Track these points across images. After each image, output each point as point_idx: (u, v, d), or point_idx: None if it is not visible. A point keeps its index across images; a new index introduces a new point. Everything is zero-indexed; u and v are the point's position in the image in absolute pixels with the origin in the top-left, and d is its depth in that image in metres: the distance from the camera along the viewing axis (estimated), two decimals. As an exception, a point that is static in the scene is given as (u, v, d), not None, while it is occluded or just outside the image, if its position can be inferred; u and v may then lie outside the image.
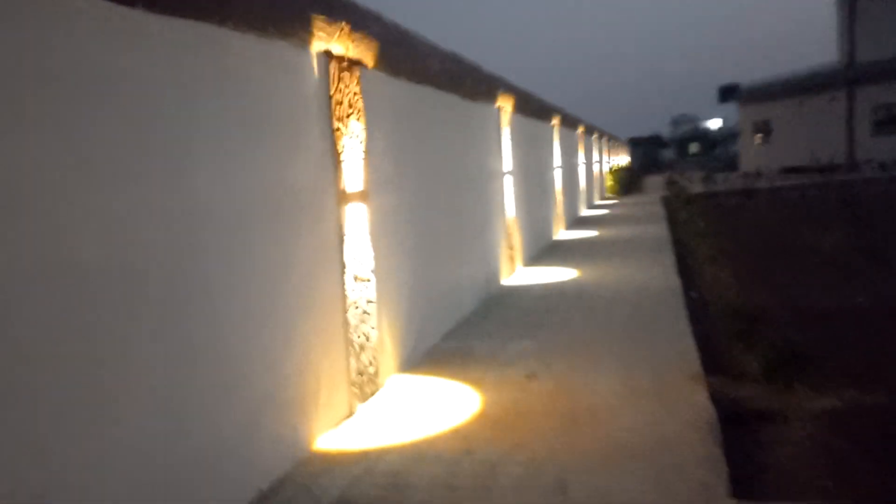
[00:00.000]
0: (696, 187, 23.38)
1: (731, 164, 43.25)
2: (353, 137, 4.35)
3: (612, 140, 30.67)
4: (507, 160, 9.25)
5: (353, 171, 4.34)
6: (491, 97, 8.42)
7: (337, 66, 4.16)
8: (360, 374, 4.32)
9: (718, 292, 7.35)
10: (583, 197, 19.19)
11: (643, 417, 3.99)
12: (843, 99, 31.04)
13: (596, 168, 23.61)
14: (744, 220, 12.39)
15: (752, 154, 39.82)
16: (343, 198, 4.19)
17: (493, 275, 8.31)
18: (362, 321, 4.37)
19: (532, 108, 11.07)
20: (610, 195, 26.55)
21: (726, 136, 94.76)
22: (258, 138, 3.39)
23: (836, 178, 24.98)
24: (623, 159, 40.46)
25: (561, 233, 14.10)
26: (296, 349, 3.64)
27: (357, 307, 4.30)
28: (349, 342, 4.19)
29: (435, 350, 5.72)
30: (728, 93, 43.83)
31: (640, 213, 18.00)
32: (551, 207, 13.28)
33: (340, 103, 4.20)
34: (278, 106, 3.57)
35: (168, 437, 2.67)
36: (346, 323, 4.17)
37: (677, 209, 14.73)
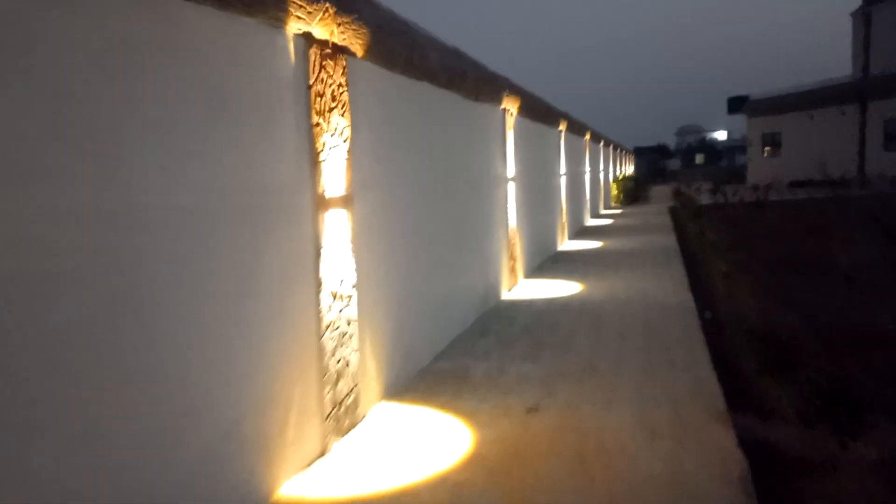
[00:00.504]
0: (705, 199, 22.83)
1: (739, 176, 42.72)
2: (335, 135, 3.82)
3: (618, 149, 30.15)
4: (511, 165, 8.72)
5: (335, 173, 3.80)
6: (495, 98, 7.90)
7: (319, 52, 3.64)
8: (337, 405, 3.77)
9: (736, 312, 6.80)
10: (588, 206, 18.65)
11: (661, 464, 3.44)
12: (854, 112, 30.46)
13: (602, 176, 23.08)
14: (758, 234, 11.84)
15: (760, 166, 39.30)
16: (321, 203, 3.66)
17: (493, 287, 7.77)
18: (341, 344, 3.83)
19: (538, 111, 10.55)
20: (615, 205, 26.00)
21: (732, 148, 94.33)
22: (216, 129, 2.86)
23: (851, 192, 24.40)
24: (629, 168, 39.93)
25: (565, 243, 13.56)
26: (259, 378, 3.10)
27: (335, 328, 3.77)
28: (324, 369, 3.65)
29: (426, 373, 5.18)
30: (737, 104, 43.33)
31: (646, 223, 17.46)
32: (556, 216, 12.74)
33: (321, 95, 3.67)
34: (242, 93, 3.05)
35: (83, 485, 2.13)
36: (321, 347, 3.63)
37: (686, 221, 14.18)
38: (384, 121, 4.70)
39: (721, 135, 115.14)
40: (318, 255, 3.62)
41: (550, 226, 12.12)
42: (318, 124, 3.63)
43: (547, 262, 10.99)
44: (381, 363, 4.47)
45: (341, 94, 3.89)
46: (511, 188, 8.71)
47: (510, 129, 8.68)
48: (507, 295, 8.25)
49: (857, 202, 17.34)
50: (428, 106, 5.72)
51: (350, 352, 3.94)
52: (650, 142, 73.29)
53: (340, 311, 3.84)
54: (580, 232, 15.82)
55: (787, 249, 10.03)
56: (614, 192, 26.31)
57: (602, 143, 22.84)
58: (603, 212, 22.60)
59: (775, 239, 11.17)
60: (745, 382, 4.68)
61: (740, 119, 46.45)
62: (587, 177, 18.44)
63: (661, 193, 33.92)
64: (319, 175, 3.64)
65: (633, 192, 26.52)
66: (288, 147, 3.41)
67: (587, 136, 18.01)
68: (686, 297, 7.51)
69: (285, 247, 3.35)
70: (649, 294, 7.82)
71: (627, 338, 5.93)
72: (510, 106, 8.58)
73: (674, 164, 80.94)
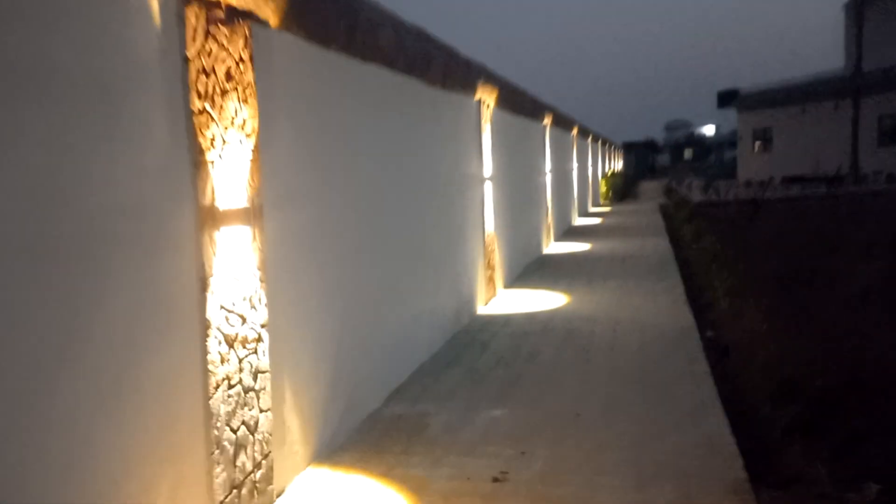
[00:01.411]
0: (696, 196, 22.02)
1: (729, 172, 41.98)
2: (232, 127, 2.86)
3: (606, 144, 29.29)
4: (488, 163, 7.77)
5: (232, 178, 2.84)
6: (469, 88, 6.94)
7: (202, 13, 2.67)
8: (236, 487, 2.82)
9: (743, 336, 5.91)
10: (576, 205, 17.75)
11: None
12: (848, 107, 29.75)
13: (590, 173, 22.20)
14: (758, 239, 10.97)
15: (751, 162, 38.54)
16: (209, 218, 2.70)
17: (467, 303, 6.83)
18: (243, 404, 2.88)
19: (520, 103, 9.60)
20: (604, 202, 25.14)
21: (721, 143, 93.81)
22: (22, 113, 1.90)
23: (844, 189, 23.67)
24: (617, 164, 39.10)
25: (551, 245, 12.64)
26: (107, 460, 2.15)
27: (232, 385, 2.81)
28: (214, 442, 2.69)
29: (376, 420, 4.23)
30: (727, 98, 42.53)
31: (636, 223, 16.57)
32: (540, 217, 11.82)
33: (208, 73, 2.70)
34: (68, 68, 2.08)
35: None
36: (209, 412, 2.67)
37: (680, 223, 13.30)
38: (315, 111, 3.74)
39: (709, 130, 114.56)
40: (203, 288, 2.66)
41: (534, 228, 11.20)
42: (202, 112, 2.67)
43: (531, 268, 10.07)
44: (309, 419, 3.52)
45: (242, 72, 2.93)
46: (488, 189, 7.77)
47: (487, 122, 7.73)
48: (483, 309, 7.32)
49: (857, 201, 16.55)
50: (381, 95, 4.76)
51: (257, 412, 2.98)
52: (638, 137, 72.43)
53: (242, 360, 2.88)
54: (567, 233, 14.91)
55: (792, 258, 9.15)
56: (603, 189, 25.45)
57: (590, 139, 21.95)
58: (591, 210, 21.72)
59: (778, 245, 10.30)
60: (766, 433, 3.77)
61: (729, 114, 45.75)
62: (575, 174, 17.54)
63: (651, 190, 33.12)
64: (206, 181, 2.68)
65: (622, 190, 25.67)
66: (153, 143, 2.44)
67: (574, 131, 17.10)
68: (685, 317, 6.60)
69: (146, 280, 2.39)
70: (643, 312, 6.91)
71: (619, 371, 5.00)
72: (486, 97, 7.63)
73: (662, 159, 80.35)
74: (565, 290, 8.23)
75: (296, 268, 3.43)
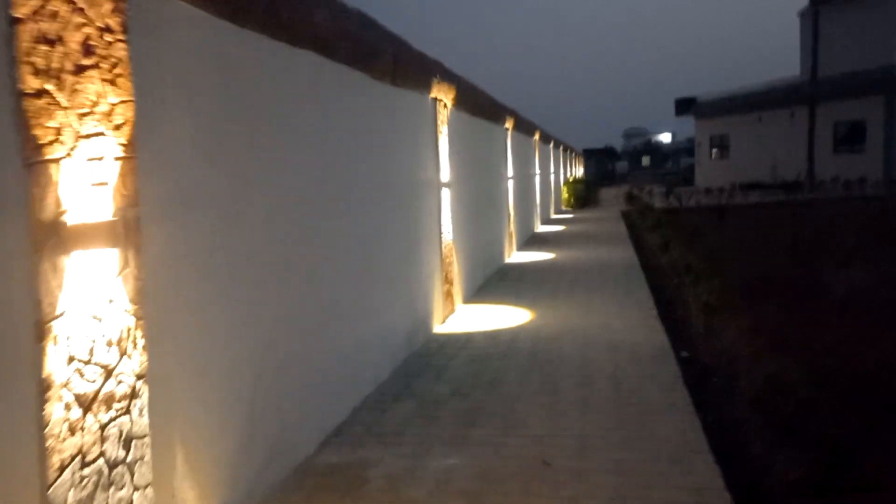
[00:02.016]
0: (658, 202, 21.80)
1: (687, 178, 42.27)
2: (93, 116, 2.15)
3: (567, 150, 29.03)
4: (446, 167, 7.14)
5: (90, 184, 2.14)
6: (423, 84, 6.31)
7: (42, -40, 1.96)
8: None
9: (721, 353, 5.38)
10: (538, 211, 17.26)
11: None
12: (804, 114, 30.06)
13: (552, 179, 21.79)
14: (726, 246, 10.58)
15: (709, 169, 38.80)
16: (50, 239, 1.98)
17: (422, 322, 6.17)
18: (105, 486, 2.17)
19: (480, 104, 9.01)
20: (566, 209, 24.79)
21: (678, 150, 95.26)
22: None
23: (802, 196, 23.77)
24: (578, 171, 38.98)
25: (513, 255, 12.07)
26: None
27: (87, 462, 2.10)
28: (61, 543, 1.97)
29: (304, 473, 3.53)
30: (684, 106, 42.87)
31: (600, 230, 16.16)
32: (502, 225, 11.24)
33: (52, 41, 2.00)
34: None
35: None
36: None
37: (644, 230, 12.89)
38: (226, 100, 3.05)
39: (666, 137, 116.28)
40: (41, 335, 1.94)
41: (496, 237, 10.61)
42: (41, 94, 1.96)
43: (492, 281, 9.46)
44: (211, 484, 2.81)
45: (109, 46, 2.23)
46: (446, 195, 7.13)
47: (443, 123, 7.10)
48: (440, 328, 6.67)
49: (820, 207, 16.45)
50: (317, 86, 4.08)
51: (129, 492, 2.27)
52: (597, 144, 72.81)
53: (106, 426, 2.17)
54: (530, 241, 14.39)
55: (761, 267, 8.74)
56: (565, 195, 25.11)
57: (552, 144, 21.55)
58: (554, 216, 21.31)
59: (746, 253, 9.91)
60: (768, 487, 3.19)
61: (687, 121, 46.20)
62: (537, 180, 17.06)
63: (612, 196, 32.98)
64: (45, 189, 1.97)
65: (584, 196, 25.36)
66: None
67: (536, 136, 16.62)
68: (658, 335, 6.06)
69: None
70: (613, 329, 6.34)
71: (592, 404, 4.39)
72: (443, 96, 7.00)
73: (621, 166, 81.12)
74: (529, 304, 7.63)
75: (193, 294, 2.73)
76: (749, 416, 4.09)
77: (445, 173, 7.13)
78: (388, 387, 4.89)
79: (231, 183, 3.05)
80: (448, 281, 7.11)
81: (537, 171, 17.14)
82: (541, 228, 17.28)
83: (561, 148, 25.20)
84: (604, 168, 63.01)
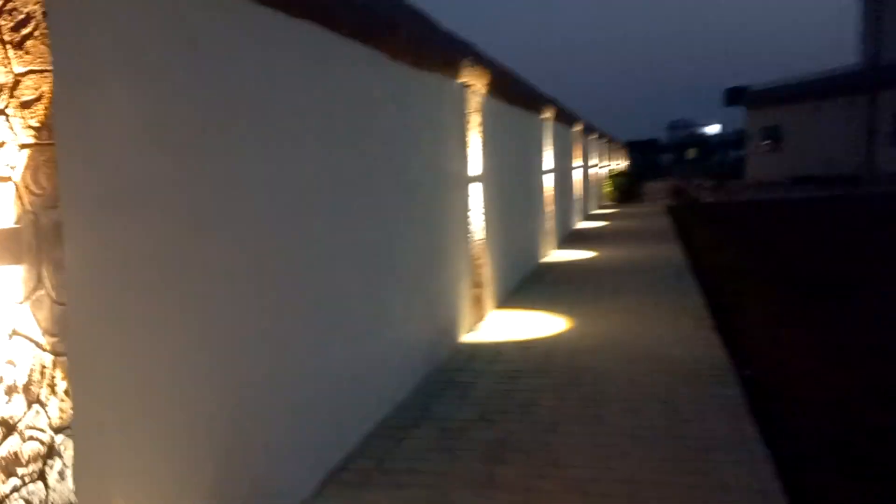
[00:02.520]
0: (706, 197, 20.76)
1: (735, 172, 40.67)
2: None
3: (610, 142, 28.03)
4: (477, 160, 6.53)
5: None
6: (451, 68, 5.70)
7: None
8: None
9: (789, 372, 4.68)
10: (578, 207, 16.50)
11: None
12: (863, 104, 28.42)
13: (594, 172, 20.94)
14: (789, 246, 9.73)
15: (760, 162, 37.22)
16: None
17: (447, 332, 5.59)
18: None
19: (517, 92, 8.35)
20: (608, 203, 23.88)
21: (724, 143, 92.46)
22: None
23: (863, 190, 22.40)
24: (621, 163, 37.81)
25: (552, 253, 11.39)
26: None
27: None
28: None
29: (297, 521, 2.98)
30: (735, 96, 41.23)
31: (645, 226, 15.32)
32: (539, 222, 10.56)
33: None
34: None
35: None
36: None
37: (693, 227, 12.05)
38: (183, 73, 2.50)
39: (713, 129, 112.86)
40: None
41: (532, 234, 9.94)
42: None
43: (528, 282, 8.81)
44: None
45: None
46: (477, 190, 6.52)
47: (475, 112, 6.48)
48: (468, 336, 6.07)
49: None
50: (318, 63, 3.52)
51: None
52: (641, 136, 70.97)
53: (4, 501, 1.64)
54: (570, 238, 13.66)
55: (826, 267, 7.89)
56: (608, 189, 24.19)
57: (594, 136, 20.69)
58: (595, 211, 20.48)
59: (808, 252, 9.05)
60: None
61: (734, 113, 44.48)
62: (578, 173, 16.28)
63: (656, 190, 31.81)
64: None
65: (627, 190, 24.39)
66: None
67: (578, 127, 15.84)
68: (715, 350, 5.35)
69: None
70: (663, 342, 5.65)
71: (641, 436, 3.75)
72: (475, 81, 6.38)
73: (665, 159, 79.07)
74: (568, 311, 6.98)
75: (136, 317, 2.19)
76: (821, 452, 3.42)
77: (476, 166, 6.51)
78: (405, 409, 4.32)
79: (190, 177, 2.50)
80: (478, 285, 6.50)
81: (578, 163, 16.37)
82: (581, 224, 16.51)
83: (604, 140, 24.28)
84: (647, 161, 61.43)
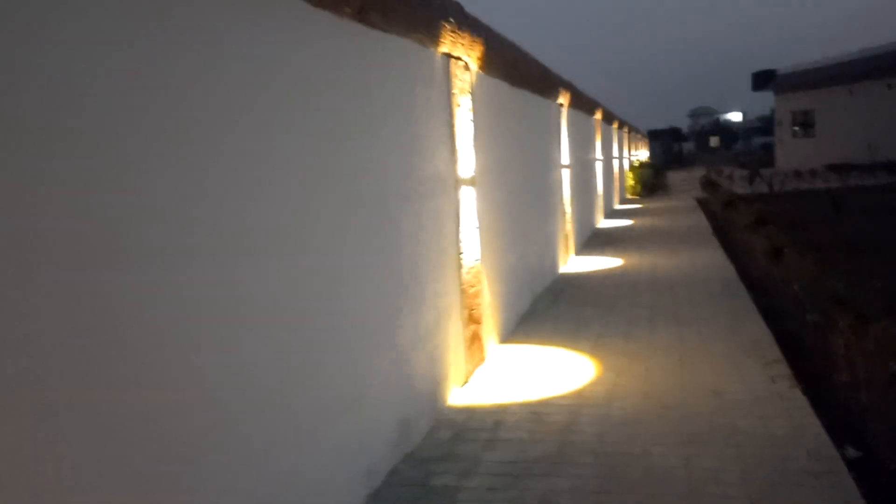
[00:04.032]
0: (738, 188, 18.98)
1: (762, 159, 38.51)
2: None
3: (632, 132, 26.25)
4: (467, 155, 4.98)
5: None
6: (425, 30, 4.15)
7: None
8: None
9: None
10: (600, 203, 14.85)
11: None
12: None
13: (616, 164, 19.24)
14: (868, 248, 8.05)
15: (791, 149, 35.18)
16: None
17: (426, 395, 4.04)
18: None
19: (523, 70, 6.77)
20: (632, 197, 22.15)
21: (748, 130, 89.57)
22: None
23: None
24: (643, 154, 35.92)
25: (570, 262, 9.80)
26: None
27: None
28: None
29: None
30: (763, 79, 39.03)
31: (677, 224, 13.64)
32: (555, 227, 8.98)
33: None
34: None
35: None
36: None
37: (736, 224, 10.37)
38: None
39: (735, 116, 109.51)
40: None
41: (547, 243, 8.37)
42: None
43: (542, 302, 7.24)
44: None
45: None
46: (468, 196, 4.97)
47: (463, 92, 4.93)
48: (460, 393, 4.54)
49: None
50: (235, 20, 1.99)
51: None
52: (661, 124, 68.65)
53: None
54: (591, 241, 12.04)
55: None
56: (631, 182, 22.46)
57: (616, 125, 18.99)
58: (618, 206, 18.79)
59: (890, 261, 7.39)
60: None
61: (757, 99, 42.38)
62: (599, 166, 14.63)
63: (681, 181, 29.99)
64: None
65: (652, 182, 22.65)
66: None
67: (598, 115, 14.19)
68: (802, 413, 3.77)
69: None
70: (728, 401, 4.05)
71: None
72: (462, 53, 4.83)
73: (687, 148, 76.83)
74: (593, 347, 5.41)
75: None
76: None
77: (468, 165, 4.96)
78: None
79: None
80: (474, 320, 4.95)
81: (599, 155, 14.72)
82: (604, 223, 14.88)
83: (625, 129, 22.55)
84: (669, 150, 59.36)
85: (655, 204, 19.38)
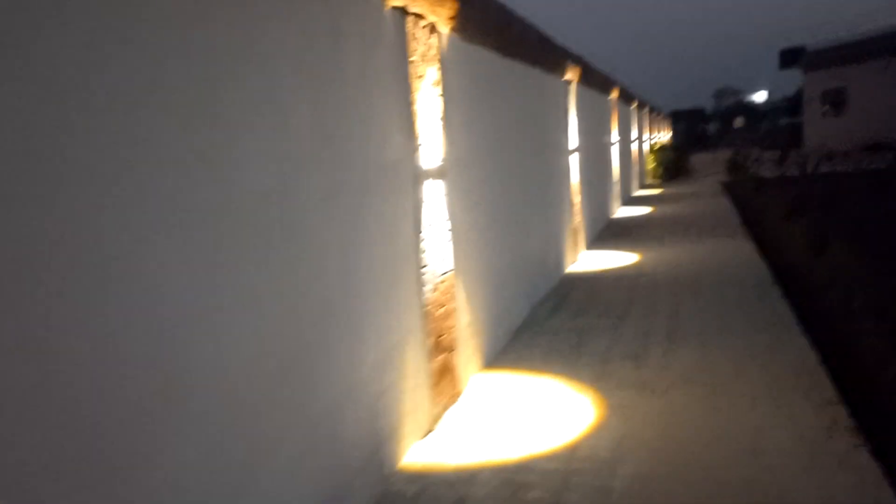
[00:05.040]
0: (768, 171, 17.69)
1: (789, 140, 36.78)
2: None
3: (653, 112, 24.89)
4: (436, 140, 3.96)
5: None
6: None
7: None
8: None
9: None
10: (617, 190, 13.72)
11: None
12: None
13: (635, 147, 18.03)
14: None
15: (821, 128, 33.48)
16: None
17: (373, 453, 3.06)
18: None
19: (517, 41, 5.70)
20: (652, 182, 20.91)
21: (774, 109, 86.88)
22: None
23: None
24: (664, 136, 34.44)
25: (580, 258, 8.74)
26: None
27: None
28: None
29: None
30: (791, 56, 37.22)
31: (699, 212, 12.47)
32: (560, 221, 7.92)
33: None
34: None
35: None
36: None
37: (767, 212, 9.20)
38: None
39: (760, 96, 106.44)
40: None
41: (550, 240, 7.32)
42: None
43: (542, 309, 6.21)
44: None
45: None
46: (437, 190, 3.95)
47: (428, 60, 3.89)
48: (420, 448, 3.55)
49: None
50: None
51: None
52: (685, 104, 66.62)
53: None
54: (606, 232, 10.95)
55: None
56: (651, 165, 21.19)
57: (635, 105, 17.75)
58: (637, 193, 17.60)
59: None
60: None
61: (782, 77, 40.67)
62: (616, 150, 13.47)
63: (705, 164, 28.57)
64: None
65: (674, 166, 21.37)
66: None
67: (614, 94, 13.01)
68: (870, 484, 2.72)
69: None
70: (778, 477, 3.01)
71: None
72: (426, 11, 3.78)
73: (712, 128, 74.72)
74: (597, 373, 4.39)
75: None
76: None
77: (435, 152, 3.94)
78: None
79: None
80: (443, 348, 3.95)
81: (616, 138, 13.56)
82: (621, 212, 13.75)
83: (646, 109, 21.25)
84: (693, 132, 57.56)
85: (677, 189, 18.14)
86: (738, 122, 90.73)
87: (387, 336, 3.29)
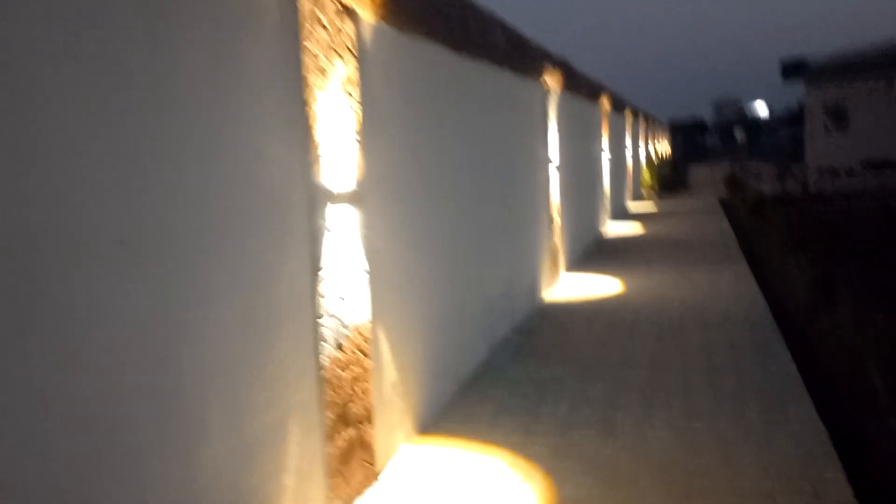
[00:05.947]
0: (768, 188, 16.88)
1: (791, 155, 35.99)
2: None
3: (649, 122, 24.06)
4: (349, 154, 3.09)
5: None
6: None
7: None
8: None
9: None
10: (606, 206, 12.87)
11: None
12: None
13: (629, 159, 17.19)
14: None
15: (823, 144, 32.63)
16: None
17: None
18: None
19: (476, 36, 4.84)
20: (647, 196, 20.08)
21: (774, 122, 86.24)
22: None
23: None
24: (662, 148, 33.61)
25: (558, 284, 7.88)
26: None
27: None
28: None
29: None
30: (792, 69, 36.39)
31: (694, 233, 11.63)
32: (534, 240, 7.05)
33: None
34: None
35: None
36: None
37: (769, 242, 8.35)
38: None
39: (761, 107, 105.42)
40: None
41: (518, 265, 6.44)
42: None
43: (502, 352, 5.34)
44: None
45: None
46: (340, 222, 3.09)
47: (337, 52, 3.02)
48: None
49: None
50: None
51: None
52: (683, 115, 65.62)
53: None
54: (591, 252, 10.08)
55: None
56: (646, 179, 20.37)
57: (628, 115, 16.92)
58: (631, 207, 16.76)
59: None
60: None
61: (782, 89, 39.96)
62: (605, 163, 12.63)
63: (704, 178, 27.75)
64: None
65: (671, 180, 20.56)
66: None
67: (604, 102, 12.17)
68: None
69: None
70: None
71: None
72: (357, 6, 2.93)
73: (710, 141, 74.09)
74: (553, 449, 3.51)
75: None
76: None
77: (347, 170, 3.07)
78: None
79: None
80: (351, 421, 3.06)
81: (606, 150, 12.72)
82: (612, 227, 12.90)
83: (641, 119, 20.43)
84: (691, 144, 56.85)
85: (673, 204, 17.32)
86: (739, 135, 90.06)
87: (254, 419, 2.42)
